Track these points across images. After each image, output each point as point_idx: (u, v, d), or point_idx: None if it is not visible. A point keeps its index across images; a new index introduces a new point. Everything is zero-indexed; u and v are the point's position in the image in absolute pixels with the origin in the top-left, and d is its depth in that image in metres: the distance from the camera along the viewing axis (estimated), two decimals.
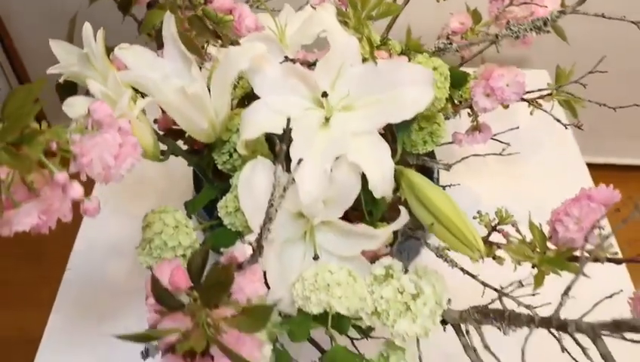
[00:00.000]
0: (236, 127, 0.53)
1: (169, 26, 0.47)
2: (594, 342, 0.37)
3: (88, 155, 0.34)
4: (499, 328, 0.47)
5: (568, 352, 0.40)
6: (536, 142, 0.90)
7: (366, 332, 0.51)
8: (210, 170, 0.59)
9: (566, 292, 0.38)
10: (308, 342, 0.53)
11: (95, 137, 0.35)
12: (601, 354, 0.34)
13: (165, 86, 0.46)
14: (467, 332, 0.48)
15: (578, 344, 0.38)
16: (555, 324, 0.38)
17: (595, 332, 0.37)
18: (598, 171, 0.94)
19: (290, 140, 0.44)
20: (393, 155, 0.47)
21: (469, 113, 0.69)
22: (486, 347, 0.47)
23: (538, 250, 0.43)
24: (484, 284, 0.50)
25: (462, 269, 0.50)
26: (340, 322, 0.49)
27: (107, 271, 0.82)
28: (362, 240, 0.49)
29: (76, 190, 0.34)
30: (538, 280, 0.42)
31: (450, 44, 0.61)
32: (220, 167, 0.55)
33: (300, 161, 0.40)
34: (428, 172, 0.70)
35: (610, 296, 0.39)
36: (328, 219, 0.50)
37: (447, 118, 0.68)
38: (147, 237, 0.51)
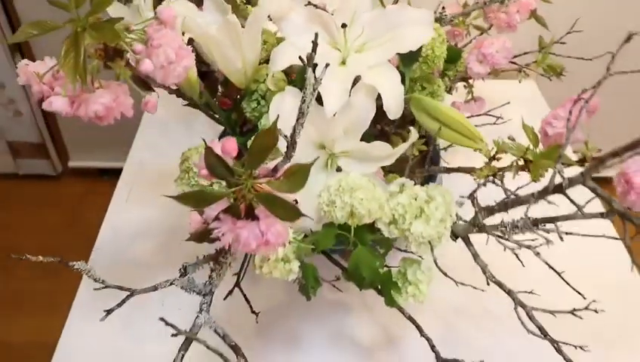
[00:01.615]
0: (263, 77, 0.61)
1: None
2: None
3: (158, 40, 0.41)
4: (503, 233, 0.53)
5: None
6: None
7: (386, 248, 0.57)
8: (237, 126, 0.66)
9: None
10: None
11: (162, 30, 0.42)
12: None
13: (208, 28, 0.54)
14: None
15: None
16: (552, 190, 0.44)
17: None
18: None
19: (314, 65, 0.51)
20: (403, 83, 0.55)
21: (464, 86, 0.77)
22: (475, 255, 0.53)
23: (532, 147, 0.50)
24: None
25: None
26: (361, 233, 0.55)
27: (132, 251, 0.87)
28: (379, 159, 0.56)
29: (148, 64, 0.41)
30: (534, 174, 0.49)
31: (445, 14, 0.70)
32: (248, 115, 0.63)
33: (327, 65, 0.47)
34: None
35: None
36: (347, 148, 0.57)
37: (448, 92, 0.76)
38: (185, 168, 0.58)
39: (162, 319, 0.41)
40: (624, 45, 0.40)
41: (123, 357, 0.71)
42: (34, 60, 0.45)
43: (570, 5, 0.68)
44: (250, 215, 0.42)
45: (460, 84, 0.80)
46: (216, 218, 0.42)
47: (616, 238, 0.51)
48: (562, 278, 0.55)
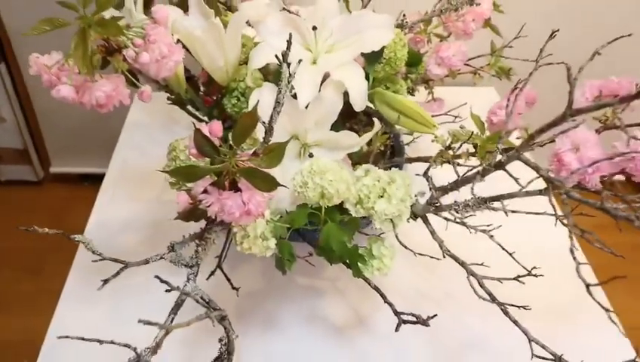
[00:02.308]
0: (242, 76, 0.68)
1: None
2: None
3: (154, 37, 0.48)
4: (456, 210, 0.60)
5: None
6: None
7: (354, 227, 0.63)
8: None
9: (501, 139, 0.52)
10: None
11: (157, 27, 0.49)
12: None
13: (194, 30, 0.60)
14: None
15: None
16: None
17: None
18: None
19: (288, 63, 0.58)
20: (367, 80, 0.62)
21: (425, 87, 0.85)
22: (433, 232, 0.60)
23: (479, 133, 0.57)
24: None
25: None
26: (331, 213, 0.62)
27: (118, 243, 0.91)
28: (346, 147, 0.63)
29: (145, 56, 0.48)
30: (481, 154, 0.56)
31: (406, 21, 0.77)
32: (229, 110, 0.69)
33: (300, 60, 0.54)
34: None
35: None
36: (318, 138, 0.64)
37: (411, 93, 0.84)
38: (172, 157, 0.64)
39: (157, 276, 0.47)
40: (549, 42, 0.48)
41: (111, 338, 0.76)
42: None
43: (518, 13, 0.76)
44: (234, 187, 0.48)
45: (422, 87, 0.88)
46: (205, 191, 0.49)
47: (554, 214, 0.59)
48: (508, 252, 0.62)
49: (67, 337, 0.45)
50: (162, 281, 0.47)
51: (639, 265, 1.50)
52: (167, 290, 0.47)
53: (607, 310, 0.53)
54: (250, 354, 0.73)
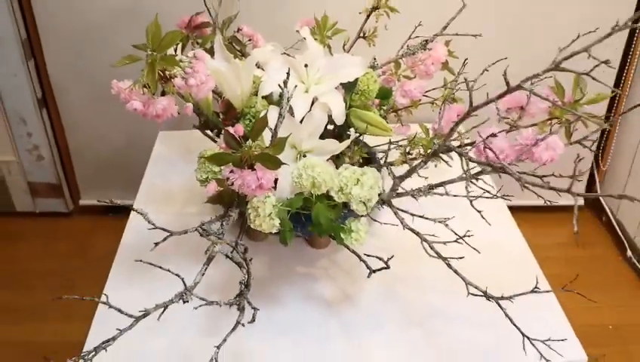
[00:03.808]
0: (254, 103, 0.91)
1: (219, 41, 0.87)
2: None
3: (196, 69, 0.71)
4: (412, 196, 0.82)
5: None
6: None
7: (337, 210, 0.85)
8: None
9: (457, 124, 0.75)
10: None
11: (199, 62, 0.72)
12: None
13: (220, 67, 0.84)
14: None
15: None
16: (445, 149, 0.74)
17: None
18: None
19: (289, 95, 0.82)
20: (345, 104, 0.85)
21: (394, 115, 1.08)
22: (404, 222, 0.82)
23: (429, 138, 0.80)
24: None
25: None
26: (320, 199, 0.84)
27: (149, 242, 1.12)
28: (331, 151, 0.85)
29: (192, 81, 0.70)
30: (425, 150, 0.79)
31: (377, 63, 1.01)
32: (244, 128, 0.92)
33: (295, 86, 0.77)
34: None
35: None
36: (310, 146, 0.86)
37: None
38: (202, 161, 0.87)
39: (200, 227, 0.69)
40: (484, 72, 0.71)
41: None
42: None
43: (466, 53, 0.99)
44: (251, 167, 0.71)
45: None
46: (231, 171, 0.71)
47: (490, 197, 0.80)
48: (457, 234, 0.83)
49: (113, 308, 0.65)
50: (203, 229, 0.68)
51: (594, 275, 1.71)
52: (202, 234, 0.69)
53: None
54: (258, 325, 0.92)
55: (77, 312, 1.36)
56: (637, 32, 1.55)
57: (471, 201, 0.75)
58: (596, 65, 0.54)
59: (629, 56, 1.65)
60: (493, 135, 0.64)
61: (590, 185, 1.90)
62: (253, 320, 0.70)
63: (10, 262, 1.67)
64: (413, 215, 0.83)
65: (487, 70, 0.76)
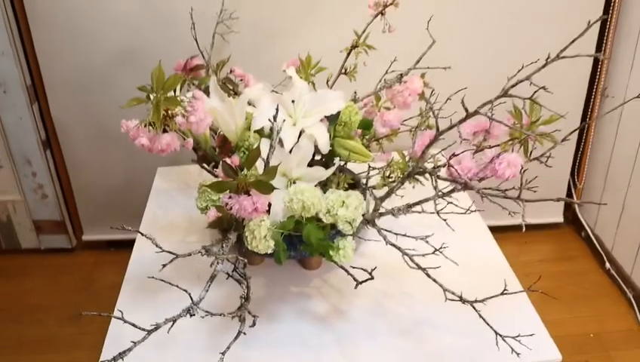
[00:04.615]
0: (247, 137, 1.00)
1: (214, 82, 0.97)
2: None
3: (195, 107, 0.81)
4: (392, 214, 0.91)
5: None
6: None
7: (326, 230, 0.93)
8: None
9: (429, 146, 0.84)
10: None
11: (198, 101, 0.82)
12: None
13: (216, 105, 0.94)
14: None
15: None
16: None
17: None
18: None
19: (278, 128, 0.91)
20: (329, 134, 0.95)
21: (376, 143, 1.18)
22: (388, 240, 0.91)
23: (405, 162, 0.90)
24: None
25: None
26: (310, 221, 0.92)
27: (154, 269, 1.20)
28: (318, 178, 0.95)
29: (193, 117, 0.80)
30: (403, 179, 0.88)
31: (358, 97, 1.12)
32: (240, 159, 1.01)
33: (284, 120, 0.87)
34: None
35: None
36: (299, 174, 0.96)
37: (366, 148, 1.17)
38: (202, 191, 0.96)
39: (203, 248, 0.77)
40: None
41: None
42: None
43: (441, 81, 1.10)
44: (247, 193, 0.80)
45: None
46: (229, 197, 0.80)
47: (461, 213, 0.90)
48: (435, 248, 0.92)
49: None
50: (205, 250, 0.77)
51: (576, 287, 1.79)
52: (204, 254, 0.77)
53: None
54: (258, 339, 1.00)
55: (85, 342, 1.44)
56: (600, 62, 1.67)
57: (438, 212, 0.84)
58: (535, 91, 0.64)
59: (596, 80, 1.77)
60: (454, 155, 0.74)
61: (568, 203, 1.99)
62: (253, 324, 0.79)
63: (17, 298, 1.74)
64: (396, 234, 0.92)
65: (450, 99, 0.86)
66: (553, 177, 1.90)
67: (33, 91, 1.64)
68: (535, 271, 1.66)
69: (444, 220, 0.87)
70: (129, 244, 1.21)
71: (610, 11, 1.68)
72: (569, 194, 1.97)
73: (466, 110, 0.71)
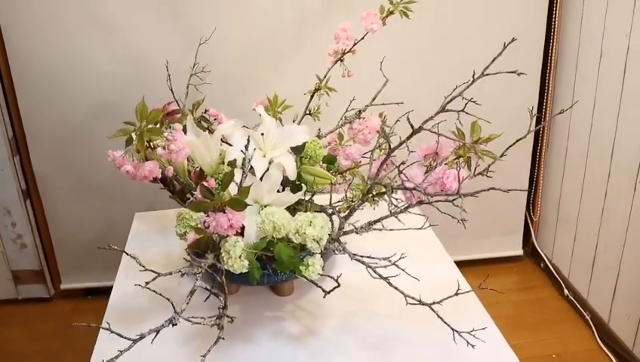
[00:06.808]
0: (220, 171, 1.10)
1: (190, 120, 1.08)
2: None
3: (175, 137, 0.90)
4: (356, 232, 1.01)
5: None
6: None
7: (296, 250, 1.02)
8: None
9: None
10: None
11: (177, 133, 0.91)
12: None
13: (192, 139, 1.04)
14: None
15: None
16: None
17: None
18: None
19: (250, 157, 1.01)
20: (296, 163, 1.05)
21: (340, 176, 1.28)
22: (353, 255, 1.00)
23: (364, 182, 1.00)
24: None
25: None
26: (280, 241, 1.01)
27: (136, 302, 1.25)
28: (286, 202, 1.04)
29: (173, 147, 0.89)
30: (364, 196, 0.98)
31: (322, 133, 1.23)
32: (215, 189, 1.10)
33: (255, 149, 0.97)
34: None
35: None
36: (270, 200, 1.05)
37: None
38: (181, 218, 1.04)
39: (187, 256, 0.85)
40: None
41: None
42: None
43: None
44: (223, 211, 0.88)
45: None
46: (207, 215, 0.88)
47: (418, 228, 1.00)
48: (397, 266, 1.01)
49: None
50: (189, 260, 0.85)
51: (538, 314, 1.89)
52: (182, 275, 0.85)
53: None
54: (235, 358, 1.06)
55: None
56: (547, 79, 1.83)
57: (394, 215, 0.93)
58: (466, 103, 0.75)
59: (545, 98, 1.93)
60: (403, 163, 0.85)
61: (527, 237, 2.11)
62: (231, 321, 0.86)
63: None
64: (362, 256, 1.01)
65: (399, 120, 0.98)
66: (511, 213, 2.03)
67: (15, 144, 1.72)
68: (500, 300, 1.76)
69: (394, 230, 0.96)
70: (106, 292, 1.26)
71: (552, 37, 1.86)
72: (526, 228, 2.09)
73: (412, 126, 0.82)
